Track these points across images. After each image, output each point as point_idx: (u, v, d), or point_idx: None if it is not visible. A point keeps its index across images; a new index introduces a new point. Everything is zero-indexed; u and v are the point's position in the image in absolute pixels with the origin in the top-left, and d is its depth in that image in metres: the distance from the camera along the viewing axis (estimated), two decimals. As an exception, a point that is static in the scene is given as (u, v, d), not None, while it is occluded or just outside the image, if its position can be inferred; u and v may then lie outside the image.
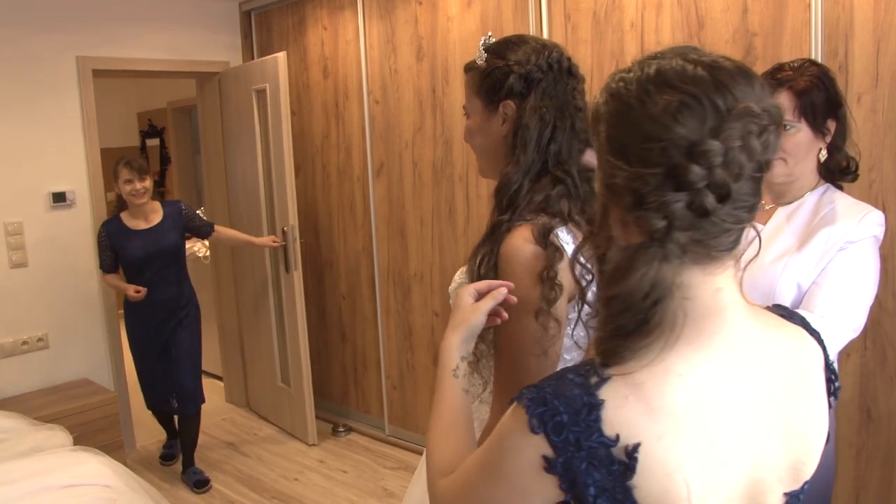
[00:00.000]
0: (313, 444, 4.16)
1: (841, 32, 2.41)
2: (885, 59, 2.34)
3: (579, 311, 1.22)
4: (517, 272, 1.19)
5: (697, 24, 2.70)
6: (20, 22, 3.72)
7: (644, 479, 0.78)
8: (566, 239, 1.22)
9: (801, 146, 1.69)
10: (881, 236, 1.70)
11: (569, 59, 1.31)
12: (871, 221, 1.68)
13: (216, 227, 3.97)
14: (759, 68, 2.55)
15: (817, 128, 1.68)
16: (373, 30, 3.91)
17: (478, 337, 1.28)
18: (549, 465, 0.80)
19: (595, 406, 0.78)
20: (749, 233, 0.84)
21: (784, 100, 1.67)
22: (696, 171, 0.76)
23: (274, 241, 4.00)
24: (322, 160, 4.37)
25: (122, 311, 3.85)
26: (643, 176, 0.78)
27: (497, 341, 1.24)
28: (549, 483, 0.81)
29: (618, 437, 0.77)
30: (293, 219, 4.02)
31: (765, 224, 1.80)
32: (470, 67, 1.36)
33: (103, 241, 3.63)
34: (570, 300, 1.24)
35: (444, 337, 1.12)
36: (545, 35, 3.13)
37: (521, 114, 1.27)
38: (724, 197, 0.77)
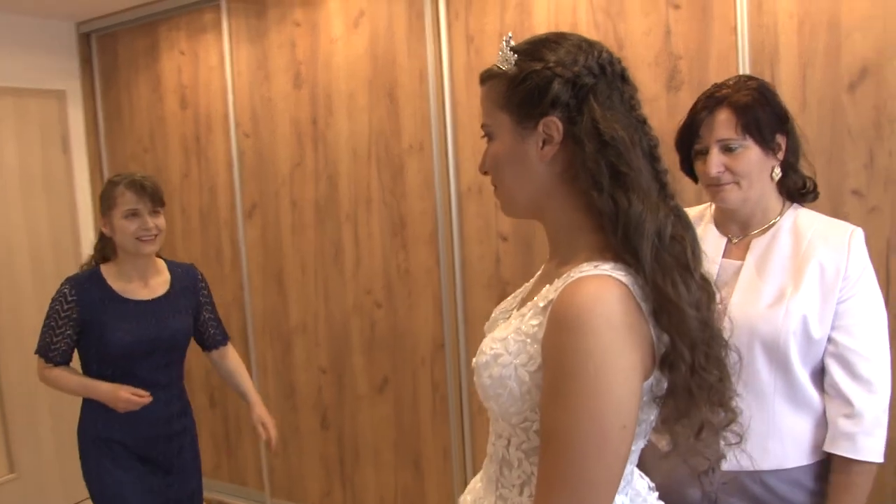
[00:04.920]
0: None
1: (767, 58, 2.33)
2: (811, 85, 2.27)
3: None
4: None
5: (616, 46, 2.54)
6: None
7: None
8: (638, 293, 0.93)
9: (752, 165, 1.55)
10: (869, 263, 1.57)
11: (619, 60, 1.01)
12: (859, 245, 1.55)
13: (228, 341, 2.75)
14: (686, 91, 2.44)
15: (766, 144, 1.55)
16: (241, 54, 3.48)
17: (524, 423, 0.96)
18: None
19: None
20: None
21: (725, 117, 1.53)
22: None
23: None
24: (181, 202, 3.85)
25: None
26: None
27: (552, 426, 0.89)
28: None
29: None
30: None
31: (742, 260, 1.62)
32: (491, 74, 1.02)
33: (65, 308, 2.25)
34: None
35: None
36: (445, 59, 2.87)
37: (589, 129, 0.94)
38: None
